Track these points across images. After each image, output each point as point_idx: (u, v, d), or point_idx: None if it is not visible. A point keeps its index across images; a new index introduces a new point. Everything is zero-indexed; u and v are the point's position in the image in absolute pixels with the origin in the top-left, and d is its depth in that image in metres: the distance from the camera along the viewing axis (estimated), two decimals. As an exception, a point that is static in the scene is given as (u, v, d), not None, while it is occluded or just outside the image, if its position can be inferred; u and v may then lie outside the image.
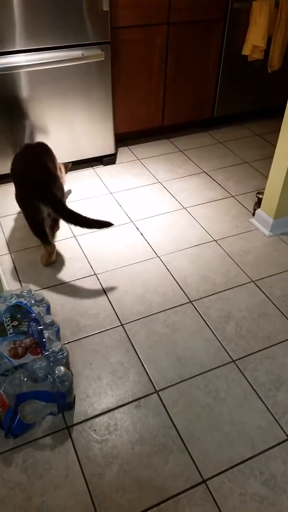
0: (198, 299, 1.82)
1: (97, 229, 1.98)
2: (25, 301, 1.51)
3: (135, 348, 1.63)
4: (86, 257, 2.03)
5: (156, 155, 2.79)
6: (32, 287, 1.84)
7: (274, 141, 2.06)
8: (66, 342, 1.64)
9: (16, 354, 1.38)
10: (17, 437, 1.36)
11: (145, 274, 1.94)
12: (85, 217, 1.77)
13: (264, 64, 2.72)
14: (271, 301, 1.82)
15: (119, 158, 2.76)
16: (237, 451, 1.34)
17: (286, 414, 1.43)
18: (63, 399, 1.39)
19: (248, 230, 2.20)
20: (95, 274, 1.94)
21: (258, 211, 2.22)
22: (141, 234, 2.17)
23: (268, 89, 2.96)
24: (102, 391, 1.50)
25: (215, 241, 2.13)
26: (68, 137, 2.46)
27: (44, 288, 1.87)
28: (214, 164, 2.71)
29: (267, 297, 1.84)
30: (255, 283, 1.91)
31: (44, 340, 1.40)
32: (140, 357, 1.60)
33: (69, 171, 2.53)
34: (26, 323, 1.39)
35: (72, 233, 2.17)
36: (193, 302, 1.81)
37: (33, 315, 1.43)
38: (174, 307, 1.79)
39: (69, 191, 2.48)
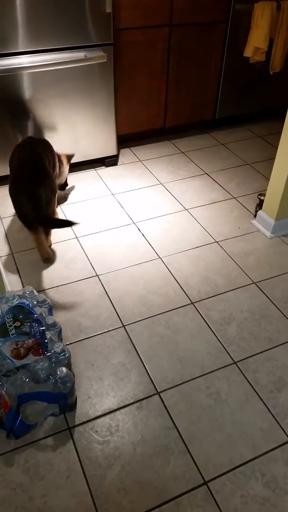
0: (199, 301, 1.83)
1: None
2: (27, 302, 1.51)
3: (137, 349, 1.64)
4: (88, 258, 2.03)
5: (158, 157, 2.80)
6: (34, 287, 1.84)
7: (276, 143, 2.07)
8: (68, 343, 1.65)
9: (18, 355, 1.39)
10: (19, 437, 1.36)
11: (146, 275, 1.94)
12: (53, 221, 1.87)
13: (265, 66, 2.73)
14: (272, 302, 1.82)
15: (121, 159, 2.77)
16: (238, 453, 1.34)
17: (287, 416, 1.43)
18: (64, 400, 1.40)
19: (250, 232, 2.20)
20: (96, 275, 1.94)
21: (260, 212, 2.22)
22: (143, 235, 2.17)
23: (270, 91, 2.97)
24: (103, 392, 1.50)
25: (217, 242, 2.13)
26: (70, 138, 2.46)
27: (46, 289, 1.87)
28: (216, 166, 2.71)
29: (269, 298, 1.84)
30: (256, 284, 1.91)
31: (46, 341, 1.40)
32: (142, 358, 1.60)
33: (70, 172, 2.54)
34: (28, 324, 1.39)
35: (74, 234, 2.18)
36: (194, 304, 1.81)
37: (35, 316, 1.44)
38: (175, 309, 1.79)
39: (72, 187, 2.49)
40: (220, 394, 1.49)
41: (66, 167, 2.31)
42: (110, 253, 2.06)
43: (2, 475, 1.29)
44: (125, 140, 2.85)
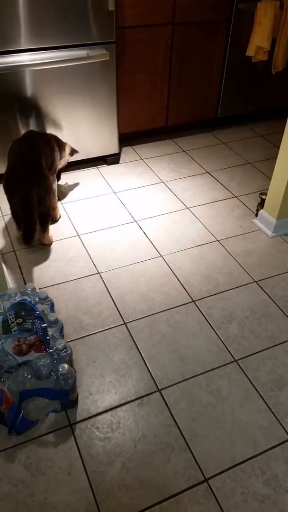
0: (200, 299, 1.83)
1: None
2: (29, 299, 1.51)
3: (138, 346, 1.64)
4: (89, 256, 2.03)
5: (159, 155, 2.80)
6: (36, 285, 1.85)
7: (278, 142, 2.07)
8: (69, 340, 1.65)
9: (20, 352, 1.39)
10: (20, 434, 1.36)
11: (148, 273, 1.95)
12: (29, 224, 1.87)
13: (268, 65, 2.73)
14: (273, 301, 1.83)
15: (122, 157, 2.77)
16: (239, 451, 1.35)
17: (288, 414, 1.44)
18: (66, 396, 1.40)
19: (251, 231, 2.21)
20: (98, 272, 1.95)
21: (261, 211, 2.22)
22: (144, 234, 2.17)
23: (272, 90, 2.97)
24: (105, 389, 1.50)
25: (218, 241, 2.14)
26: (72, 136, 2.46)
27: (48, 286, 1.87)
28: (218, 165, 2.71)
29: (270, 297, 1.85)
30: (257, 283, 1.91)
31: (48, 337, 1.40)
32: (143, 356, 1.61)
33: (72, 170, 2.55)
34: (30, 320, 1.39)
35: (76, 232, 2.18)
36: (195, 302, 1.82)
37: (37, 312, 1.44)
38: (176, 307, 1.79)
39: (76, 184, 2.51)
40: (221, 392, 1.50)
41: (66, 157, 2.30)
42: (111, 251, 2.06)
43: (3, 471, 1.29)
44: (127, 139, 2.85)
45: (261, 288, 1.89)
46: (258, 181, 2.57)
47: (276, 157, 2.03)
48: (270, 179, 2.11)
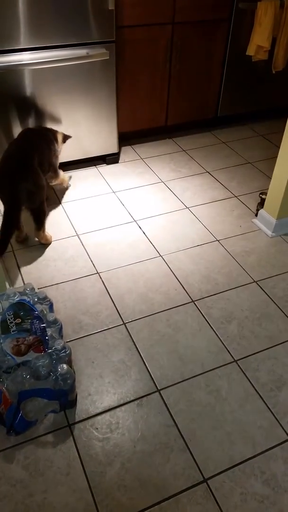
0: (200, 299, 1.83)
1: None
2: (28, 299, 1.51)
3: (137, 346, 1.64)
4: (88, 256, 2.03)
5: (159, 155, 2.80)
6: (35, 285, 1.84)
7: (278, 142, 2.06)
8: (68, 340, 1.65)
9: (19, 352, 1.39)
10: (19, 434, 1.36)
11: (147, 273, 1.94)
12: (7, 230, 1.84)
13: (268, 64, 2.72)
14: (273, 301, 1.82)
15: (122, 157, 2.76)
16: (238, 451, 1.34)
17: (287, 414, 1.43)
18: (65, 396, 1.40)
19: (251, 231, 2.20)
20: (97, 272, 1.94)
21: (261, 211, 2.22)
22: (144, 233, 2.17)
23: (272, 89, 2.96)
24: (104, 389, 1.50)
25: (218, 241, 2.13)
26: (71, 135, 2.46)
27: (47, 286, 1.87)
28: (217, 164, 2.71)
29: (269, 297, 1.84)
30: (257, 283, 1.91)
31: (47, 337, 1.40)
32: (142, 356, 1.60)
33: (71, 169, 2.55)
34: (29, 320, 1.39)
35: (75, 231, 2.18)
36: (195, 302, 1.82)
37: (36, 312, 1.43)
38: (176, 307, 1.79)
39: (69, 177, 2.51)
40: (220, 392, 1.49)
41: (60, 146, 2.29)
42: (111, 251, 2.06)
43: (2, 471, 1.29)
44: (126, 138, 2.85)
45: (261, 288, 1.88)
46: (258, 180, 2.57)
47: (276, 157, 2.02)
48: (270, 178, 2.10)
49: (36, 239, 2.08)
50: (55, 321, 1.52)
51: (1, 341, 1.39)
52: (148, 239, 2.14)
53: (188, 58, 2.63)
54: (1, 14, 1.97)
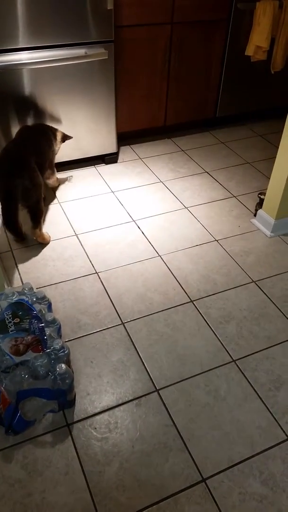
0: (199, 299, 1.83)
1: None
2: (27, 299, 1.51)
3: (136, 346, 1.64)
4: (87, 256, 2.03)
5: (158, 155, 2.80)
6: (34, 284, 1.84)
7: (277, 142, 2.07)
8: (67, 340, 1.65)
9: (18, 351, 1.39)
10: (18, 434, 1.36)
11: (146, 273, 1.94)
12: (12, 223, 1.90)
13: (267, 65, 2.73)
14: (271, 301, 1.83)
15: (121, 157, 2.76)
16: (236, 451, 1.34)
17: (285, 414, 1.44)
18: (63, 396, 1.40)
19: (250, 231, 2.20)
20: (96, 272, 1.94)
21: (260, 211, 2.22)
22: (143, 233, 2.17)
23: (271, 90, 2.97)
24: (102, 389, 1.50)
25: (217, 241, 2.13)
26: (72, 136, 2.46)
27: (45, 286, 1.87)
28: (216, 164, 2.71)
29: (268, 297, 1.84)
30: (256, 283, 1.91)
31: (45, 337, 1.40)
32: (141, 356, 1.60)
33: (70, 169, 2.54)
34: (28, 320, 1.39)
35: (74, 231, 2.18)
36: (194, 302, 1.82)
37: (35, 312, 1.43)
38: (175, 307, 1.79)
39: (71, 177, 2.53)
40: (219, 392, 1.49)
41: (58, 145, 2.30)
42: (109, 251, 2.06)
43: (0, 471, 1.29)
44: (125, 138, 2.84)
45: (260, 288, 1.89)
46: (257, 181, 2.57)
47: (275, 157, 2.03)
48: (269, 179, 2.11)
49: (34, 238, 2.07)
50: (54, 321, 1.52)
51: (0, 340, 1.38)
52: (147, 239, 2.14)
53: (187, 58, 2.63)
54: (0, 13, 1.96)
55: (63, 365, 1.36)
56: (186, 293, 1.85)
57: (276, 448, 1.35)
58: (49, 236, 2.10)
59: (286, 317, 1.76)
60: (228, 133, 3.03)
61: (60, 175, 2.51)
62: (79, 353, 1.61)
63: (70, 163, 2.59)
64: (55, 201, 2.38)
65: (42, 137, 2.13)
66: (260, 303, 1.82)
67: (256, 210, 2.26)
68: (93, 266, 1.97)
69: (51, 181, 2.35)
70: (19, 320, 1.39)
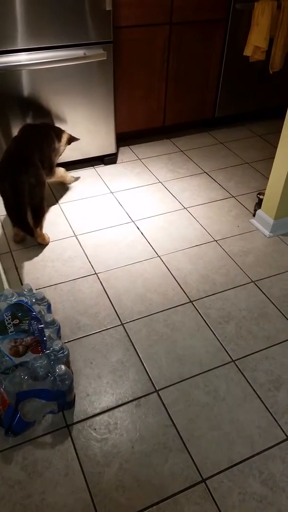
0: (198, 299, 1.83)
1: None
2: (26, 300, 1.51)
3: (135, 347, 1.64)
4: (86, 256, 2.03)
5: (157, 155, 2.80)
6: (33, 285, 1.84)
7: (275, 142, 2.07)
8: (66, 341, 1.65)
9: (17, 353, 1.39)
10: (17, 435, 1.36)
11: (145, 273, 1.94)
12: (21, 219, 1.90)
13: (265, 65, 2.73)
14: (271, 301, 1.83)
15: (120, 157, 2.77)
16: (236, 451, 1.35)
17: (285, 414, 1.44)
18: (63, 397, 1.40)
19: (249, 231, 2.21)
20: (95, 273, 1.94)
21: (259, 211, 2.22)
22: (142, 234, 2.17)
23: (270, 90, 2.97)
24: (102, 389, 1.50)
25: (216, 241, 2.13)
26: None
27: (44, 287, 1.87)
28: (215, 165, 2.71)
29: (267, 297, 1.85)
30: (255, 283, 1.91)
31: (45, 338, 1.40)
32: (140, 356, 1.61)
33: (70, 170, 2.54)
34: (27, 321, 1.39)
35: (73, 232, 2.18)
36: (193, 302, 1.82)
37: (34, 313, 1.43)
38: (174, 307, 1.79)
39: (78, 178, 2.55)
40: (219, 392, 1.50)
41: (63, 146, 2.31)
42: (109, 251, 2.06)
43: (0, 472, 1.29)
44: (124, 138, 2.85)
45: (259, 288, 1.89)
46: (255, 181, 2.57)
47: (274, 157, 2.03)
48: (268, 179, 2.11)
49: (34, 237, 2.07)
50: (53, 322, 1.52)
51: (-1, 342, 1.39)
52: (146, 239, 2.14)
53: (186, 59, 2.63)
54: (-1, 14, 1.97)
55: (63, 366, 1.36)
56: (185, 294, 1.85)
57: (276, 448, 1.35)
58: (49, 237, 2.10)
59: (285, 317, 1.76)
60: (227, 134, 3.04)
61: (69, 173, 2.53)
62: (78, 354, 1.61)
63: (70, 163, 2.59)
64: (54, 202, 2.38)
65: (43, 135, 2.14)
66: (259, 303, 1.82)
67: (255, 210, 2.26)
68: (92, 267, 1.97)
69: (57, 178, 2.36)
70: (18, 321, 1.39)
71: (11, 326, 1.38)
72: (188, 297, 1.84)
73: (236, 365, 1.58)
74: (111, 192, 2.47)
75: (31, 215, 1.97)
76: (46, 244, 2.08)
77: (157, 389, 1.50)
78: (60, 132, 2.28)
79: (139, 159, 2.76)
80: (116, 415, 1.43)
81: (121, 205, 2.37)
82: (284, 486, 1.27)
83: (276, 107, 3.03)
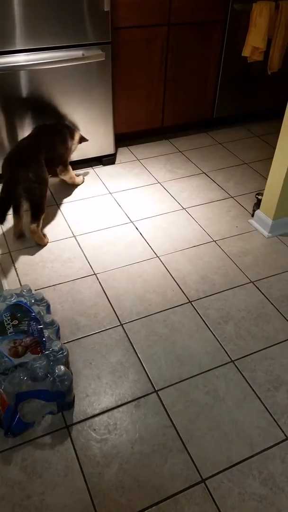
0: (197, 299, 1.83)
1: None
2: (25, 300, 1.51)
3: (135, 347, 1.64)
4: (85, 257, 2.03)
5: (155, 156, 2.80)
6: (32, 286, 1.84)
7: (274, 143, 2.07)
8: (65, 341, 1.65)
9: (16, 353, 1.39)
10: (17, 436, 1.36)
11: (144, 274, 1.94)
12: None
13: (263, 65, 2.73)
14: (270, 301, 1.83)
15: (118, 158, 2.77)
16: (236, 451, 1.35)
17: (284, 414, 1.44)
18: (62, 398, 1.40)
19: (247, 231, 2.21)
20: (94, 274, 1.94)
21: (257, 212, 2.22)
22: (141, 234, 2.17)
23: (268, 90, 2.97)
24: (101, 390, 1.50)
25: (214, 241, 2.14)
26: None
27: (43, 288, 1.87)
28: (214, 165, 2.72)
29: (266, 297, 1.85)
30: (254, 283, 1.91)
31: (44, 339, 1.40)
32: (140, 357, 1.61)
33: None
34: (26, 322, 1.39)
35: (72, 233, 2.18)
36: (192, 302, 1.82)
37: (33, 314, 1.43)
38: (173, 307, 1.79)
39: (86, 173, 2.59)
40: (218, 392, 1.50)
41: (75, 144, 2.38)
42: (107, 252, 2.06)
43: (0, 473, 1.28)
44: (122, 139, 2.85)
45: (258, 288, 1.89)
46: (254, 181, 2.58)
47: (272, 158, 2.03)
48: (266, 179, 2.11)
49: (31, 236, 2.07)
50: (52, 323, 1.52)
51: (-2, 342, 1.38)
52: (145, 240, 2.14)
53: (184, 59, 2.63)
54: (-3, 15, 1.97)
55: (62, 367, 1.36)
56: (184, 294, 1.85)
57: (275, 448, 1.35)
58: (47, 239, 2.10)
59: (284, 317, 1.77)
60: (226, 134, 3.04)
61: (76, 171, 2.53)
62: (78, 355, 1.61)
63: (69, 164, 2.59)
64: (53, 202, 2.38)
65: (56, 133, 2.21)
66: (258, 303, 1.82)
67: (254, 211, 2.26)
68: (91, 268, 1.97)
69: (67, 178, 2.41)
70: (17, 322, 1.39)
71: (10, 327, 1.38)
72: (187, 297, 1.84)
73: (236, 365, 1.58)
74: (110, 193, 2.47)
75: (30, 211, 2.00)
76: (44, 245, 2.08)
77: (156, 389, 1.50)
78: (72, 130, 2.33)
79: (138, 160, 2.76)
80: (115, 415, 1.43)
81: (119, 206, 2.37)
82: (283, 486, 1.27)
83: (274, 108, 3.03)
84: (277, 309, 1.80)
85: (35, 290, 1.83)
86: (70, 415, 1.43)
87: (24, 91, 2.22)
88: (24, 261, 2.01)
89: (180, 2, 2.42)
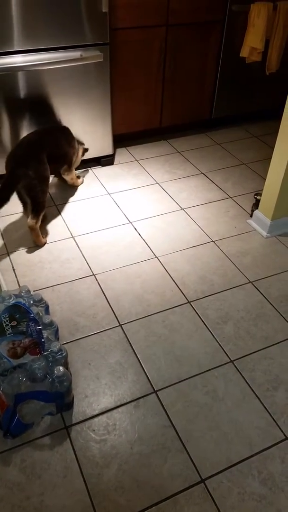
0: (196, 300, 1.83)
1: None
2: (24, 301, 1.51)
3: (134, 348, 1.64)
4: (84, 258, 2.03)
5: (154, 156, 2.80)
6: (31, 287, 1.84)
7: (272, 143, 2.07)
8: (64, 342, 1.65)
9: (15, 354, 1.38)
10: (16, 437, 1.36)
11: (143, 274, 1.94)
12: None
13: (262, 66, 2.74)
14: (268, 301, 1.83)
15: (117, 159, 2.77)
16: (235, 451, 1.35)
17: (284, 414, 1.44)
18: (61, 399, 1.40)
19: (246, 231, 2.21)
20: (93, 274, 1.94)
21: (256, 212, 2.23)
22: (139, 235, 2.17)
23: (266, 91, 2.98)
24: (100, 391, 1.50)
25: (213, 242, 2.14)
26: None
27: (42, 288, 1.87)
28: (212, 166, 2.72)
29: (265, 297, 1.85)
30: (252, 284, 1.91)
31: (43, 340, 1.40)
32: (139, 357, 1.60)
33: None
34: (25, 323, 1.39)
35: (70, 233, 2.18)
36: (191, 303, 1.82)
37: (32, 315, 1.43)
38: (172, 308, 1.79)
39: (87, 171, 2.63)
40: (217, 392, 1.50)
41: (79, 157, 2.43)
42: (106, 253, 2.06)
43: (-1, 474, 1.29)
44: (121, 140, 2.85)
45: (256, 288, 1.89)
46: (252, 181, 2.58)
47: (271, 158, 2.03)
48: (265, 179, 2.11)
49: (29, 235, 2.07)
50: (51, 323, 1.52)
51: (-3, 343, 1.38)
52: (144, 240, 2.14)
53: (182, 60, 2.64)
54: (-5, 16, 1.97)
55: (61, 368, 1.36)
56: (183, 294, 1.85)
57: (275, 448, 1.35)
58: (46, 239, 2.10)
59: (283, 317, 1.77)
60: (224, 134, 3.04)
61: (77, 171, 2.54)
62: (76, 356, 1.60)
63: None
64: (51, 203, 2.38)
65: (63, 133, 2.25)
66: (257, 303, 1.82)
67: (252, 211, 2.26)
68: (90, 268, 1.97)
69: (69, 178, 2.43)
70: (16, 323, 1.39)
71: (9, 328, 1.38)
72: (186, 297, 1.84)
73: (235, 366, 1.58)
74: (108, 194, 2.47)
75: (31, 207, 2.01)
76: (41, 246, 2.08)
77: (155, 390, 1.50)
78: (78, 145, 2.40)
79: (136, 160, 2.76)
80: (114, 416, 1.43)
81: (118, 206, 2.37)
82: (283, 486, 1.27)
83: (272, 108, 3.04)
84: (276, 309, 1.80)
85: (34, 291, 1.83)
86: (69, 416, 1.43)
87: (22, 92, 2.22)
88: (22, 262, 2.00)
89: (178, 3, 2.42)
